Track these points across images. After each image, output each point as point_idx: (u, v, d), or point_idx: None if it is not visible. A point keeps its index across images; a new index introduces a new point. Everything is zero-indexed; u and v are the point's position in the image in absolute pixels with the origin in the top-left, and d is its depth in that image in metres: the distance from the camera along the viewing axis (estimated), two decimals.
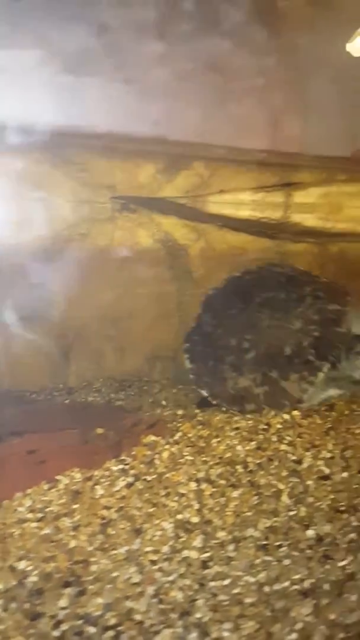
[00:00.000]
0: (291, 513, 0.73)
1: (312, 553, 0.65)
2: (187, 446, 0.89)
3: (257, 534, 0.69)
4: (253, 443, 0.89)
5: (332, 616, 0.58)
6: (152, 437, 0.90)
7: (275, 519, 0.72)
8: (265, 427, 0.96)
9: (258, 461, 0.84)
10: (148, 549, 0.67)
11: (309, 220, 1.10)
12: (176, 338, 1.36)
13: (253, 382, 1.03)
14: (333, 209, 1.07)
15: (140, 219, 1.28)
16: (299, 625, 0.56)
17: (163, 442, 0.90)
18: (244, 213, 1.10)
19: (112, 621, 0.57)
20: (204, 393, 1.07)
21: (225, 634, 0.54)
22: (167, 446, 0.89)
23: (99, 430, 0.88)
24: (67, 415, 1.00)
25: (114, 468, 0.83)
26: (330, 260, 1.39)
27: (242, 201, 1.08)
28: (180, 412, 1.08)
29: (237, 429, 0.95)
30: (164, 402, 1.16)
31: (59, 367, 1.25)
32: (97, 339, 1.28)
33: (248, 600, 0.59)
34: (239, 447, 0.88)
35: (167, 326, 1.33)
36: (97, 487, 0.78)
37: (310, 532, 0.69)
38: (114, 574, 0.63)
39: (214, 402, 1.05)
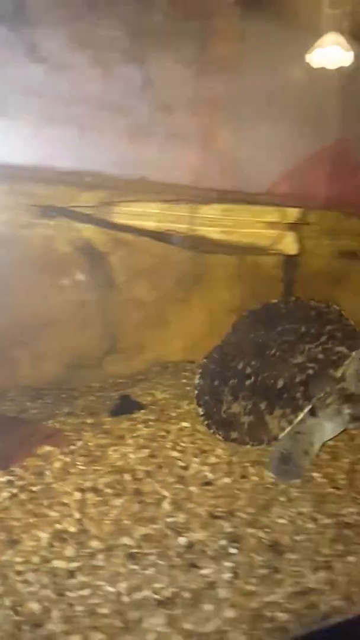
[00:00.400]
0: (169, 520, 0.74)
1: (179, 561, 0.66)
2: (82, 455, 0.88)
3: (130, 542, 0.69)
4: (146, 451, 0.90)
5: (188, 626, 0.58)
6: (47, 448, 0.89)
7: (152, 526, 0.73)
8: (164, 434, 0.97)
9: (147, 469, 0.85)
10: (18, 559, 0.66)
11: (214, 233, 1.12)
12: (99, 346, 1.36)
13: (243, 410, 1.00)
14: (236, 224, 1.10)
15: (60, 225, 1.26)
16: (151, 636, 0.57)
17: (58, 452, 0.89)
18: (150, 225, 1.11)
19: None
20: (200, 411, 1.04)
21: None
22: (61, 456, 0.88)
23: None
24: None
25: (1, 479, 0.81)
26: (247, 270, 1.42)
27: (149, 213, 1.09)
28: (90, 420, 1.07)
29: (137, 437, 0.96)
30: (78, 411, 1.16)
31: None
32: (14, 348, 1.24)
33: (103, 610, 0.59)
34: (131, 456, 0.88)
35: (88, 334, 1.32)
36: None
37: (182, 540, 0.70)
38: None
39: (205, 423, 1.01)
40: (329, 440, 0.96)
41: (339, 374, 0.95)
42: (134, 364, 1.39)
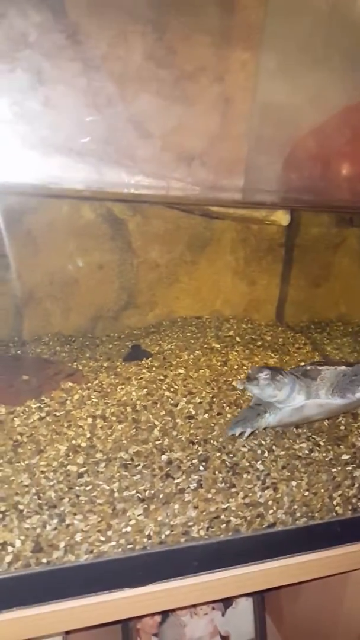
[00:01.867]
0: (157, 442, 0.90)
1: (159, 472, 0.82)
2: (96, 391, 1.05)
3: (125, 456, 0.86)
4: (146, 390, 1.05)
5: (160, 518, 0.75)
6: (69, 384, 1.06)
7: (143, 446, 0.89)
8: (162, 378, 1.11)
9: (145, 404, 1.00)
10: (43, 463, 0.84)
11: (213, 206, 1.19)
12: (117, 301, 1.49)
13: None
14: None
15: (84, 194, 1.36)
16: (132, 522, 0.74)
17: (77, 387, 1.06)
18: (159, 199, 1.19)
19: (2, 508, 0.74)
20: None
21: (76, 522, 0.72)
22: (80, 391, 1.05)
23: (25, 377, 1.03)
24: (3, 364, 1.15)
25: (33, 406, 0.99)
26: (251, 235, 1.48)
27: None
28: (106, 364, 1.23)
29: (140, 379, 1.11)
30: (98, 356, 1.32)
31: (14, 322, 1.39)
32: (47, 300, 1.40)
33: (99, 501, 0.76)
34: (134, 393, 1.04)
35: (109, 291, 1.45)
36: (16, 419, 0.95)
37: (164, 457, 0.86)
38: (12, 478, 0.80)
39: None
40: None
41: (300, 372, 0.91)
42: (148, 318, 1.53)
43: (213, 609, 1.32)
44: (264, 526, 0.80)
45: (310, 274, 1.56)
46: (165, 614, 1.26)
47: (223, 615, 1.32)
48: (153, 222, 1.43)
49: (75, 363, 1.23)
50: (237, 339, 1.42)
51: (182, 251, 1.46)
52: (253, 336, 1.45)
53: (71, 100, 1.06)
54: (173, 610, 1.26)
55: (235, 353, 1.31)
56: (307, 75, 1.21)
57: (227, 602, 1.33)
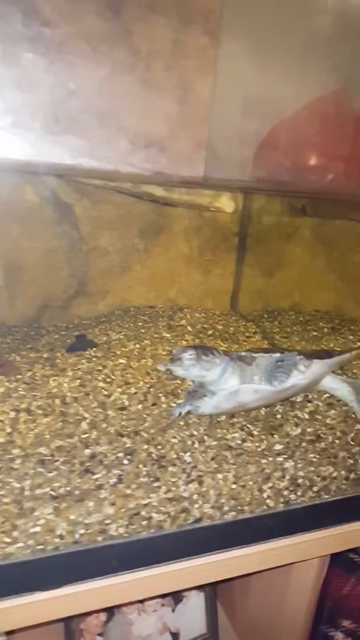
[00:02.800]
0: (83, 436, 0.82)
1: (79, 467, 0.75)
2: (25, 383, 0.96)
3: (45, 452, 0.78)
4: (79, 381, 0.97)
5: (72, 516, 0.68)
6: None
7: (68, 440, 0.81)
8: (100, 369, 1.03)
9: (76, 395, 0.92)
10: None
11: (157, 191, 1.11)
12: (65, 289, 1.40)
13: None
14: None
15: (27, 176, 1.27)
16: (41, 521, 0.66)
17: (5, 380, 0.97)
18: (97, 182, 1.11)
19: None
20: None
21: None
22: (7, 383, 0.96)
23: None
24: None
25: None
26: (204, 224, 1.41)
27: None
28: (46, 355, 1.14)
29: (77, 370, 1.03)
30: (40, 347, 1.23)
31: None
32: None
33: (5, 500, 0.68)
34: (65, 385, 0.96)
35: (56, 278, 1.36)
36: None
37: (87, 451, 0.78)
38: None
39: None
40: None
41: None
42: (99, 307, 1.44)
43: (162, 605, 1.25)
44: (189, 521, 0.73)
45: (264, 263, 1.50)
46: (110, 612, 1.20)
47: (173, 611, 1.26)
48: (102, 207, 1.34)
49: (13, 354, 1.15)
50: (189, 328, 1.35)
51: (134, 238, 1.39)
52: (205, 325, 1.38)
53: (15, 74, 0.98)
54: (119, 607, 1.19)
55: (185, 342, 1.24)
56: (270, 63, 1.15)
57: (177, 597, 1.27)
